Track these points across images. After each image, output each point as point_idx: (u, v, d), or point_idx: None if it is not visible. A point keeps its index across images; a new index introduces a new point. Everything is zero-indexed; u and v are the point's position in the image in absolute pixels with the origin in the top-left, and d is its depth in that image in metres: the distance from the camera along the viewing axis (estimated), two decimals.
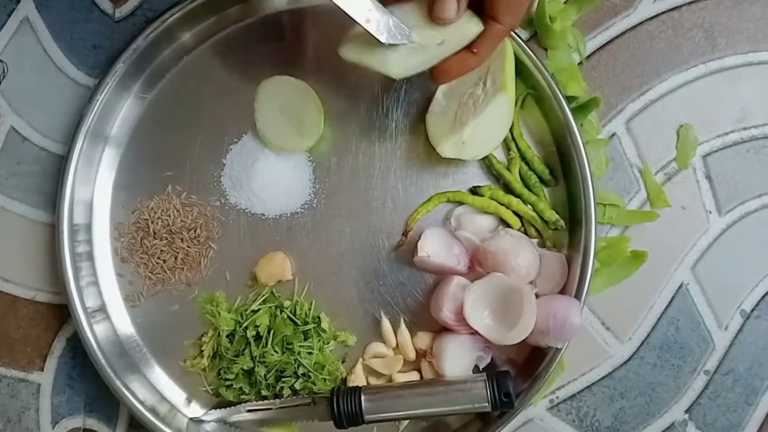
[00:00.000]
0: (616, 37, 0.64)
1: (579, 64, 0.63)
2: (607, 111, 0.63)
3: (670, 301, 0.62)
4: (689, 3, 0.64)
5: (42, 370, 0.62)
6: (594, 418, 0.61)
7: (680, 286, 0.62)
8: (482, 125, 0.56)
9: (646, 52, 0.64)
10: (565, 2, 0.64)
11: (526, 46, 0.59)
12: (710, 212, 0.62)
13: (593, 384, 0.61)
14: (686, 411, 0.61)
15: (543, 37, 0.63)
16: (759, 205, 0.63)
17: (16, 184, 0.63)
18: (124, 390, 0.57)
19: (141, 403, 0.57)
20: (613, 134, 0.63)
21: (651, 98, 0.63)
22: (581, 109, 0.62)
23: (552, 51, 0.63)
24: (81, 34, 0.64)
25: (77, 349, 0.62)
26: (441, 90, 0.59)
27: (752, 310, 0.62)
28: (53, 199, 0.61)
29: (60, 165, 0.61)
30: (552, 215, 0.59)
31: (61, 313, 0.62)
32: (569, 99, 0.60)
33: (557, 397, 0.61)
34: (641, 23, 0.64)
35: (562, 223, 0.58)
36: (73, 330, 0.61)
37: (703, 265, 0.62)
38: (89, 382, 0.62)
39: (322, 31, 0.62)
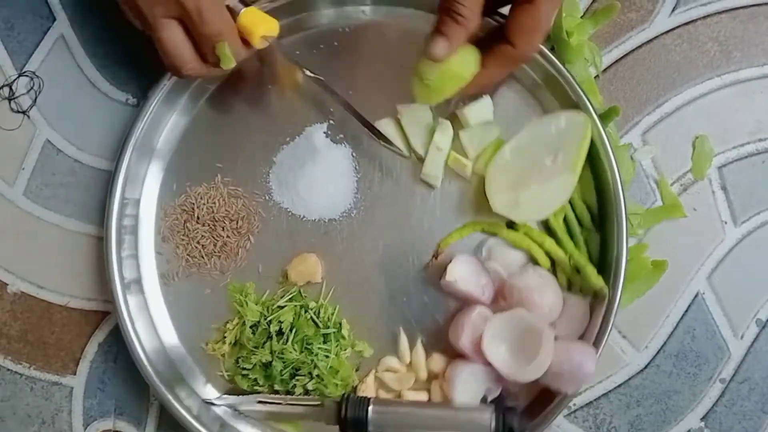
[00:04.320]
0: (633, 50, 0.65)
1: (595, 77, 0.64)
2: (624, 123, 0.64)
3: (686, 311, 0.62)
4: (705, 17, 0.65)
5: (75, 374, 0.64)
6: (611, 425, 0.62)
7: (696, 296, 0.62)
8: (541, 194, 0.57)
9: (662, 65, 0.65)
10: (581, 17, 0.65)
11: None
12: (726, 222, 0.63)
13: (610, 391, 0.62)
14: (702, 419, 0.62)
15: (560, 52, 0.64)
16: None
17: (51, 195, 0.65)
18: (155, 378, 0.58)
19: (177, 399, 0.58)
20: (630, 146, 0.64)
21: (667, 111, 0.64)
22: (601, 118, 0.61)
23: (569, 65, 0.64)
24: (113, 50, 0.66)
25: (108, 354, 0.64)
26: (510, 146, 0.59)
27: None
28: (87, 209, 0.65)
29: (96, 178, 0.63)
30: (599, 281, 0.57)
31: (94, 318, 0.64)
32: None
33: (574, 405, 0.62)
34: (657, 37, 0.65)
35: (606, 291, 0.57)
36: (105, 335, 0.64)
37: (718, 275, 0.63)
38: (119, 385, 0.64)
39: (373, 47, 0.64)
